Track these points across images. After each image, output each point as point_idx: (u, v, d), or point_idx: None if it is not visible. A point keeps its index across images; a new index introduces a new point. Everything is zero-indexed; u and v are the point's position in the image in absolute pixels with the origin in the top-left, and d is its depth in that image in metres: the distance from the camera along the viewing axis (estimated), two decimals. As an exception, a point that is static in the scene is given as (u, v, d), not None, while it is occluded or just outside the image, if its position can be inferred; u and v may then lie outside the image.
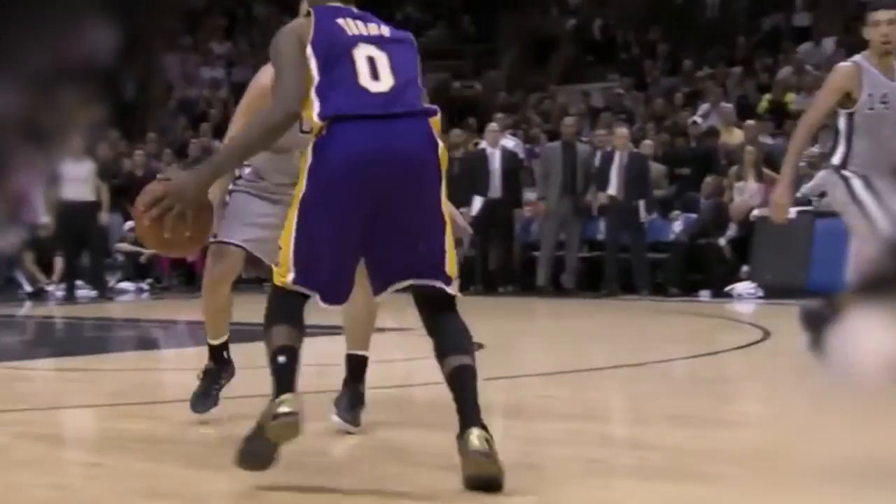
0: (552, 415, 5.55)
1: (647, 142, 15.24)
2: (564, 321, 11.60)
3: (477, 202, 14.23)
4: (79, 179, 14.09)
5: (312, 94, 3.86)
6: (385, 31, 4.09)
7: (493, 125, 14.88)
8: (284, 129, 3.96)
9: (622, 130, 14.45)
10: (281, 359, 3.84)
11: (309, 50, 3.91)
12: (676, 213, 14.53)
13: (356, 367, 5.00)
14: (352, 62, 3.90)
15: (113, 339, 8.73)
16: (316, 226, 3.85)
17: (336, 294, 3.98)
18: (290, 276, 3.89)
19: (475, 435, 3.74)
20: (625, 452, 4.70)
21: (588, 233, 14.55)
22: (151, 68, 20.46)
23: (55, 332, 11.58)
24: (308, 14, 4.10)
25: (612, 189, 13.82)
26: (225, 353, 5.34)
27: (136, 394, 6.27)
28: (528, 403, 6.03)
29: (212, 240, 4.89)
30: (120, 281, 15.56)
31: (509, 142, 15.33)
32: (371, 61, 3.93)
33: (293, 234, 3.88)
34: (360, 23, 4.06)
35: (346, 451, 4.60)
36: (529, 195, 14.84)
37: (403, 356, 8.30)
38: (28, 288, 14.94)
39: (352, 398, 4.91)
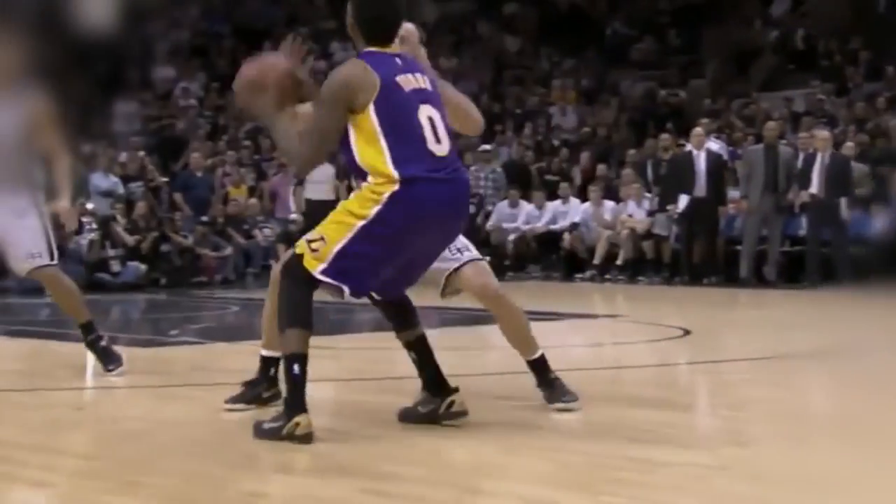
0: (756, 396, 5.38)
1: (849, 143, 14.64)
2: (767, 310, 11.26)
3: (683, 200, 13.97)
4: (321, 182, 14.45)
5: (385, 156, 4.03)
6: (426, 83, 4.20)
7: (698, 129, 14.56)
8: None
9: (823, 133, 13.93)
10: (296, 368, 4.04)
11: (371, 108, 4.04)
12: (877, 208, 13.91)
13: (539, 367, 4.85)
14: (419, 126, 4.09)
15: (353, 321, 8.92)
16: (371, 249, 4.03)
17: (361, 292, 4.18)
18: (321, 267, 4.05)
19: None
20: (825, 429, 4.51)
21: (789, 229, 14.09)
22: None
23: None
24: (361, 57, 4.14)
25: (814, 188, 13.36)
26: (273, 370, 4.76)
27: (373, 370, 6.39)
28: (733, 385, 5.87)
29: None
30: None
31: (714, 144, 14.97)
32: (431, 123, 4.11)
33: (346, 239, 4.04)
34: (415, 76, 4.17)
35: (564, 424, 4.56)
36: (733, 194, 14.47)
37: (613, 340, 8.20)
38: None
39: (553, 387, 4.79)
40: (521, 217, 15.60)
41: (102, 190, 14.41)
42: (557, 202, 15.59)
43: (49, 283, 5.85)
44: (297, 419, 4.00)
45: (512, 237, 15.46)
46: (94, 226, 13.53)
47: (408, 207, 4.03)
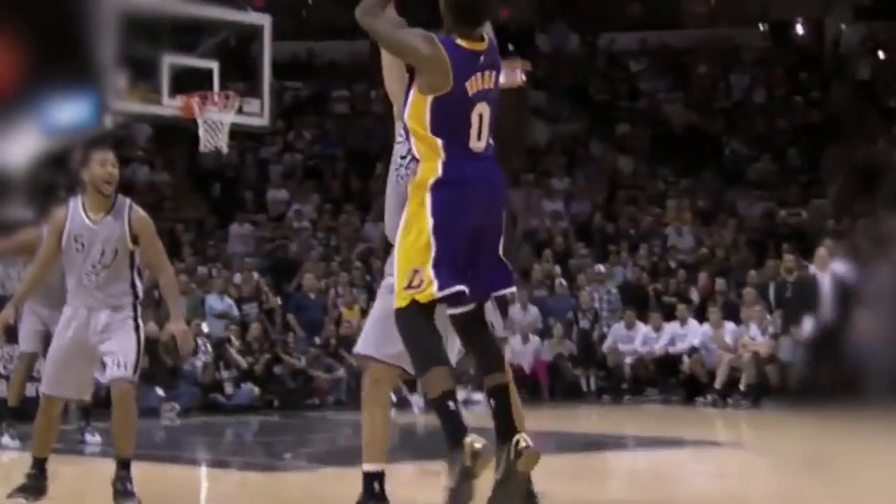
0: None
1: (983, 264, 14.23)
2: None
3: (808, 323, 13.69)
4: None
5: (432, 138, 4.27)
6: (493, 80, 4.38)
7: (822, 250, 14.33)
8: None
9: (956, 253, 13.59)
10: (450, 404, 4.08)
11: (429, 101, 4.27)
12: None
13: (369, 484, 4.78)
14: (468, 125, 4.31)
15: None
16: (448, 245, 4.18)
17: (472, 295, 4.25)
18: (435, 287, 4.15)
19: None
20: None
21: (921, 354, 13.66)
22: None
23: (417, 437, 11.88)
24: (448, 48, 4.29)
25: (947, 311, 12.97)
26: (376, 485, 4.73)
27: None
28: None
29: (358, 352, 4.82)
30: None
31: (839, 266, 14.70)
32: (480, 120, 4.34)
33: (433, 253, 4.17)
34: (484, 74, 4.35)
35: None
36: (861, 317, 14.12)
37: (738, 469, 7.97)
38: (394, 399, 15.46)
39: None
40: (638, 339, 15.42)
41: (217, 312, 14.69)
42: (675, 324, 15.39)
43: (120, 399, 5.76)
44: (466, 441, 4.02)
45: (629, 359, 15.27)
46: (209, 348, 13.75)
47: (452, 187, 4.24)
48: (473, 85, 4.32)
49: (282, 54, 18.80)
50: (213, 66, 11.12)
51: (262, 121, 11.58)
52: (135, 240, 5.83)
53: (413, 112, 4.31)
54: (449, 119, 4.29)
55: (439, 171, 4.26)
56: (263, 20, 11.39)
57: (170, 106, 10.71)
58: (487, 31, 4.46)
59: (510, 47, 24.61)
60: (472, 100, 4.31)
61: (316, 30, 24.33)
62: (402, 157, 4.67)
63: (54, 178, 6.38)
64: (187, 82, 11.12)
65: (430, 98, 4.27)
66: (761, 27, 24.08)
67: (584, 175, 21.51)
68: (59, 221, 5.87)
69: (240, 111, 11.08)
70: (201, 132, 10.72)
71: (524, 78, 21.95)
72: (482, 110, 4.34)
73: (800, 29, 24.35)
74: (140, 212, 5.93)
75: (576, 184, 21.02)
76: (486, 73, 4.36)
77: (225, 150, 11.30)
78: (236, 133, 12.56)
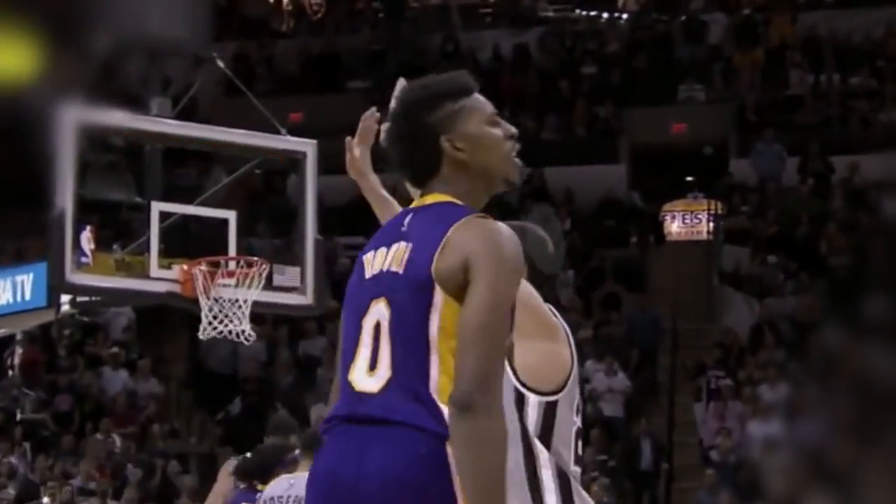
0: None
1: None
2: None
3: None
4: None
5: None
6: (409, 251, 3.87)
7: None
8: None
9: None
10: None
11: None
12: None
13: None
14: (357, 337, 3.88)
15: None
16: None
17: None
18: None
19: None
20: None
21: None
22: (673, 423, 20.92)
23: None
24: None
25: None
26: None
27: None
28: None
29: None
30: None
31: None
32: (376, 333, 3.85)
33: None
34: (393, 247, 3.90)
35: None
36: None
37: None
38: None
39: None
40: None
41: None
42: None
43: None
44: None
45: None
46: None
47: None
48: (371, 262, 3.98)
49: (334, 194, 18.69)
50: (229, 216, 11.19)
51: (304, 299, 11.46)
52: None
53: None
54: (343, 328, 3.99)
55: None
56: (306, 147, 11.43)
57: (161, 279, 10.81)
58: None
59: (688, 178, 24.78)
60: (366, 290, 3.94)
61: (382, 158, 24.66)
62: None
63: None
64: (188, 243, 11.26)
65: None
66: None
67: (816, 380, 21.29)
68: None
69: (269, 284, 11.08)
70: (204, 314, 10.63)
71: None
72: (381, 315, 3.87)
73: None
74: None
75: (802, 394, 20.79)
76: (395, 245, 3.93)
77: (247, 340, 11.17)
78: (265, 316, 12.52)
